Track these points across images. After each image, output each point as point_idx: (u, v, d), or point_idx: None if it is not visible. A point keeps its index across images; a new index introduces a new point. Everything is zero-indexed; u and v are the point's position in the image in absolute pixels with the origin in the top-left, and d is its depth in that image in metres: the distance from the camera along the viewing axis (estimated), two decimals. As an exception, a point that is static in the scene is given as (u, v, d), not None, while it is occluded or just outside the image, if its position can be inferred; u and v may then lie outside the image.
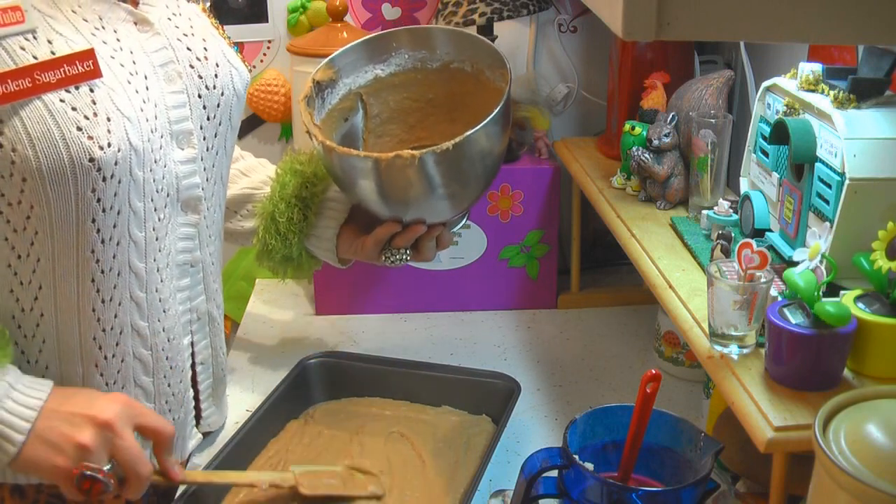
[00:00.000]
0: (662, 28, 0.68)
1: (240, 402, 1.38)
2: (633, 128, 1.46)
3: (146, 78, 1.01)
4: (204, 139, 1.09)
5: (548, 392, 1.42)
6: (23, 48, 0.91)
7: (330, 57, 1.23)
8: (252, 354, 1.55)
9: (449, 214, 1.21)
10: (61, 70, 0.92)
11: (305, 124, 1.17)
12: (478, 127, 1.08)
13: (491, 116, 1.09)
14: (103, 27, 0.99)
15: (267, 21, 1.75)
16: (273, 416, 1.26)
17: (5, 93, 0.89)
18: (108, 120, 0.94)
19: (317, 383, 1.34)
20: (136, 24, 1.02)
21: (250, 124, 1.81)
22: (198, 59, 1.07)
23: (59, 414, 0.94)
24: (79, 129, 0.92)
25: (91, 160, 0.93)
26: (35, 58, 0.91)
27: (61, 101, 0.92)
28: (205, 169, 1.10)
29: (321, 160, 1.22)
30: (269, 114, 1.78)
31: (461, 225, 1.28)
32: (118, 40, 1.00)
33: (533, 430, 1.32)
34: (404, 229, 1.20)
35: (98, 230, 0.98)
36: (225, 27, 1.17)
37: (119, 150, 0.95)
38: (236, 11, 1.73)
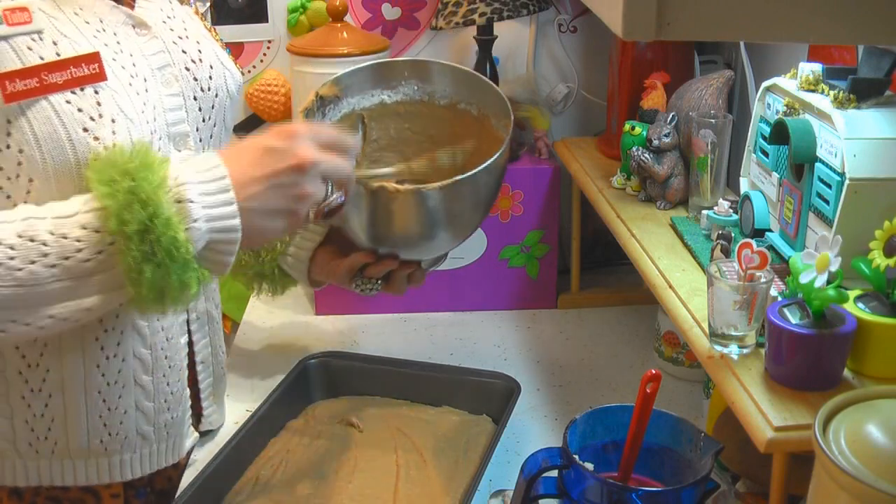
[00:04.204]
0: (662, 28, 0.68)
1: (240, 402, 1.38)
2: (633, 128, 1.46)
3: (145, 80, 1.01)
4: (199, 141, 1.09)
5: (548, 392, 1.42)
6: (30, 48, 0.91)
7: (337, 75, 1.20)
8: (252, 354, 1.55)
9: (424, 255, 1.17)
10: (68, 72, 0.92)
11: None
12: (468, 174, 1.04)
13: (484, 166, 1.04)
14: (104, 30, 0.99)
15: (267, 21, 1.75)
16: (273, 415, 1.26)
17: (13, 91, 0.89)
18: (113, 121, 0.94)
19: (317, 383, 1.34)
20: (134, 27, 1.03)
21: (250, 124, 1.81)
22: (193, 61, 1.07)
23: (255, 182, 0.91)
24: (85, 130, 0.92)
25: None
26: (41, 58, 0.91)
27: (67, 102, 0.92)
28: None
29: None
30: (269, 114, 1.78)
31: (436, 266, 1.22)
32: (118, 43, 1.00)
33: (533, 430, 1.32)
34: (378, 261, 1.15)
35: None
36: (225, 27, 1.17)
37: None
38: (236, 12, 1.73)
